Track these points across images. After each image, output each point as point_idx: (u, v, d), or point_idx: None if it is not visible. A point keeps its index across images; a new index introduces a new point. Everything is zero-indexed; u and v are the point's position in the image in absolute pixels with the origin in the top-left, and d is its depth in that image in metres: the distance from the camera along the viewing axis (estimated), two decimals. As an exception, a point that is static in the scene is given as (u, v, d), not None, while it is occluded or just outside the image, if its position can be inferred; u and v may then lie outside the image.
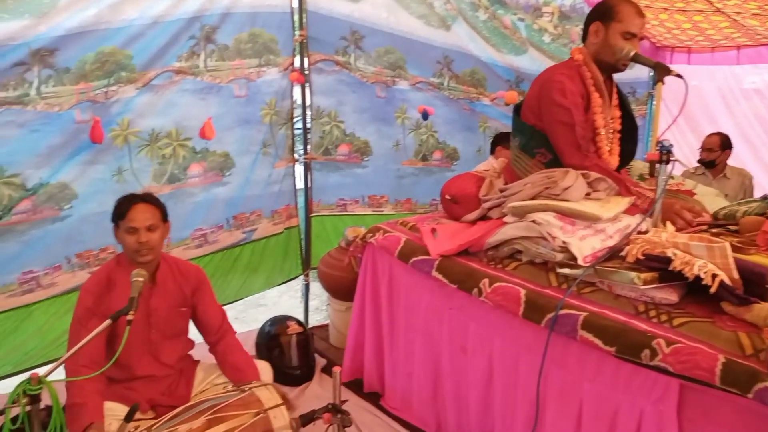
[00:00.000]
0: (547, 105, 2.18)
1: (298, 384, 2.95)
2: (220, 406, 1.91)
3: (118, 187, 2.82)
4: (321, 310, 4.37)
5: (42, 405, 1.59)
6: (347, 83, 3.61)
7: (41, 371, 1.56)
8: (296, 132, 3.59)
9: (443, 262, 2.27)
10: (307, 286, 3.71)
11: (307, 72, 3.48)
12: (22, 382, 1.54)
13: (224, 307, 2.38)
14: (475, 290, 2.10)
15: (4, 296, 2.63)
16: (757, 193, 3.73)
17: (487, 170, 2.66)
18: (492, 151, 3.58)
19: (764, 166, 4.64)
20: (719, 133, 4.08)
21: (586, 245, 1.86)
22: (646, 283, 1.66)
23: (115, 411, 1.94)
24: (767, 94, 4.75)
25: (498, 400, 2.09)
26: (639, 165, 2.62)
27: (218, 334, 2.29)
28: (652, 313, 1.66)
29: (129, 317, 1.69)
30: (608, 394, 1.71)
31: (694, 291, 1.66)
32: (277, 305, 4.38)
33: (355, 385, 2.78)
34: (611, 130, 2.32)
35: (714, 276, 1.55)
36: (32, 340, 2.73)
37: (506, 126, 3.62)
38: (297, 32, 3.37)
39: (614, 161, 2.31)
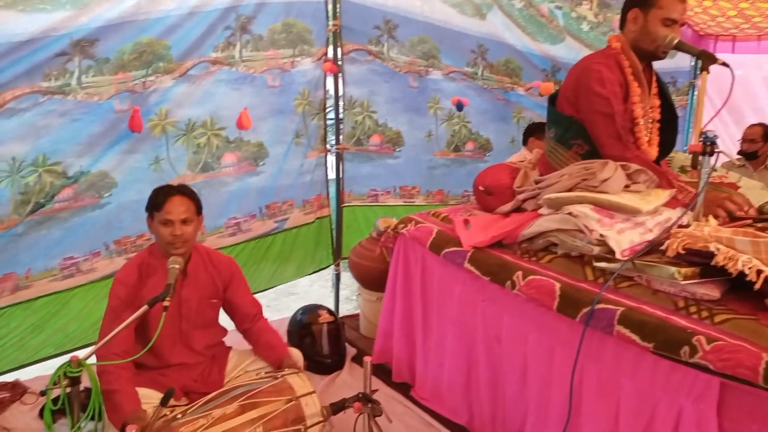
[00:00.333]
0: (585, 95, 2.13)
1: (329, 373, 2.97)
2: (253, 392, 1.94)
3: (155, 176, 2.89)
4: (351, 299, 4.40)
5: (81, 387, 1.64)
6: (380, 73, 3.60)
7: (81, 354, 1.61)
8: (328, 122, 3.60)
9: (476, 254, 2.25)
10: (337, 276, 3.74)
11: (340, 62, 3.48)
12: (62, 365, 1.59)
13: (255, 296, 2.41)
14: (509, 283, 2.08)
15: (46, 281, 2.71)
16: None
17: (521, 161, 2.62)
18: (524, 142, 3.54)
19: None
20: (761, 124, 3.97)
21: (624, 238, 1.82)
22: (686, 278, 1.61)
23: (150, 398, 1.97)
24: (816, 84, 4.58)
25: (532, 394, 2.07)
26: (680, 157, 2.54)
27: (252, 322, 2.32)
28: (693, 309, 1.62)
29: (165, 303, 1.72)
30: (646, 390, 1.68)
31: (736, 287, 1.61)
32: (308, 294, 4.42)
33: (385, 375, 2.79)
34: (650, 120, 2.25)
35: (759, 272, 1.49)
36: (72, 323, 2.82)
37: (541, 116, 3.57)
38: (331, 22, 3.37)
39: (653, 152, 2.24)
